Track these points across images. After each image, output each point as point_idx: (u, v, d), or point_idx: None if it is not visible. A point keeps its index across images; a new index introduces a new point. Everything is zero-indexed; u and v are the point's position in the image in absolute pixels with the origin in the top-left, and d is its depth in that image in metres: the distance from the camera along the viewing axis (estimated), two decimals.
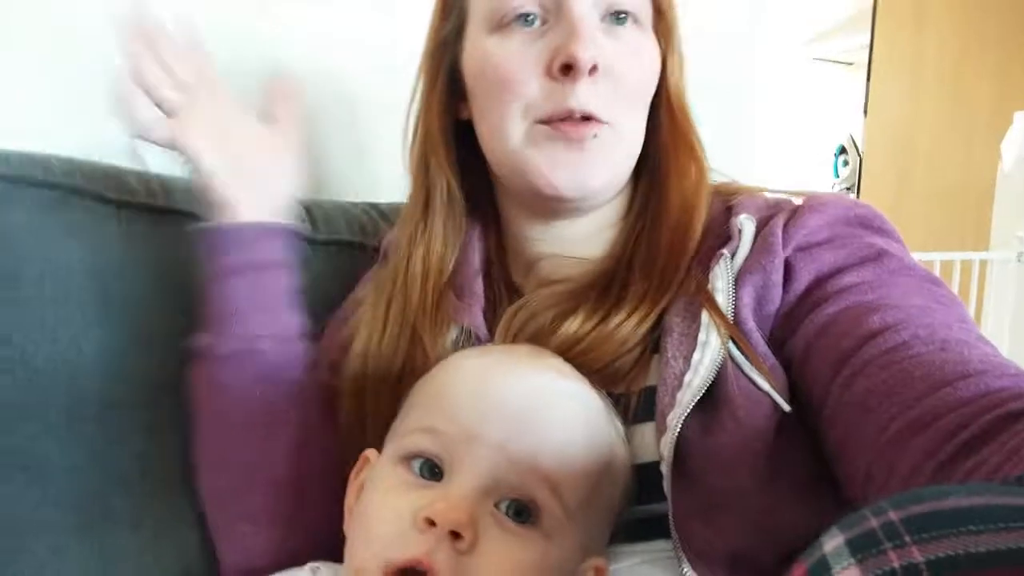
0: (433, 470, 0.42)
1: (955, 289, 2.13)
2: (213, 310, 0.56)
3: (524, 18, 0.51)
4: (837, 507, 0.45)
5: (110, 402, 0.59)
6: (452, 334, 0.54)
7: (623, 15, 0.52)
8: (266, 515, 0.54)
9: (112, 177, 0.62)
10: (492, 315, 0.55)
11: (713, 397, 0.45)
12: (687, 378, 0.45)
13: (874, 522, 0.22)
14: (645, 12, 0.53)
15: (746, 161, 1.20)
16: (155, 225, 0.62)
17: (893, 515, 0.21)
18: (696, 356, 0.45)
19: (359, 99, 0.87)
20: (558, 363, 0.47)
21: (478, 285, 0.56)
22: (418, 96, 0.58)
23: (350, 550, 0.43)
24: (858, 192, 3.21)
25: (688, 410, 0.44)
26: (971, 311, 2.18)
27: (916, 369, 0.38)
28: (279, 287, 0.58)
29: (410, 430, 0.44)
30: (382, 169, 0.86)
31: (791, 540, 0.42)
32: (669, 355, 0.47)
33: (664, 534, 0.45)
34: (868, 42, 3.16)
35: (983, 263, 2.23)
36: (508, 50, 0.51)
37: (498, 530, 0.40)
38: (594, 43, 0.49)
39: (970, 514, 0.20)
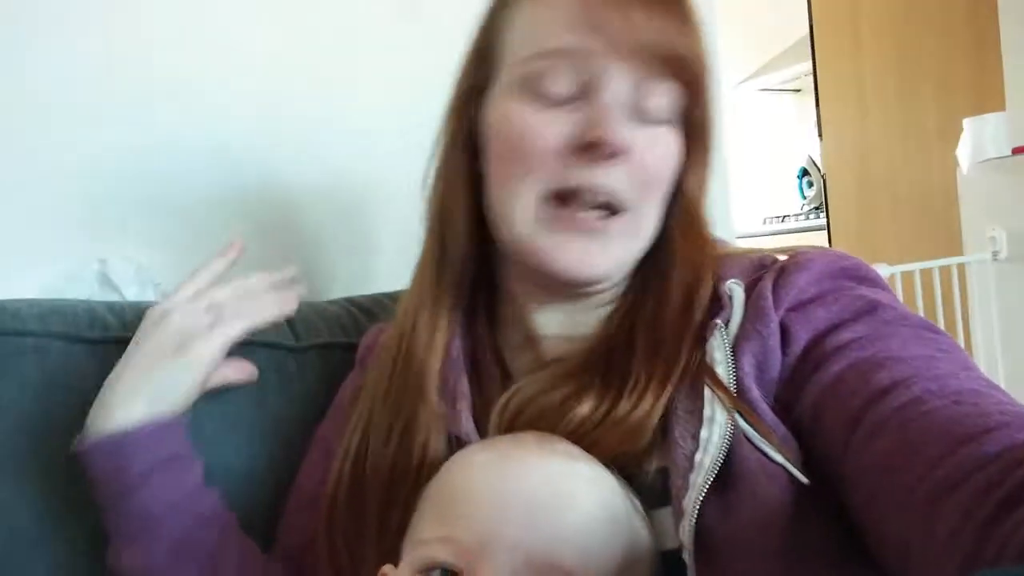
0: None
1: (938, 295, 2.15)
2: (132, 523, 0.53)
3: (555, 86, 0.49)
4: None
5: (97, 554, 0.56)
6: (443, 439, 0.52)
7: (649, 114, 0.50)
8: None
9: (84, 314, 0.61)
10: (483, 407, 0.53)
11: (727, 476, 0.43)
12: (697, 458, 0.43)
13: None
14: (673, 111, 0.51)
15: (721, 198, 1.21)
16: None
17: None
18: (704, 433, 0.44)
19: (354, 189, 0.87)
20: (567, 447, 0.46)
21: (463, 385, 0.54)
22: (442, 144, 0.56)
23: None
24: (826, 210, 3.26)
25: (703, 492, 0.42)
26: (957, 315, 2.19)
27: (934, 426, 0.37)
28: (194, 475, 0.56)
29: (425, 540, 0.42)
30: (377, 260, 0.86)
31: None
32: (676, 435, 0.45)
33: None
34: (810, 69, 3.26)
35: (961, 267, 2.26)
36: (533, 119, 0.49)
37: None
38: (624, 128, 0.48)
39: None
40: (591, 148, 0.48)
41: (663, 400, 0.48)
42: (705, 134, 0.53)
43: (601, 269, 0.50)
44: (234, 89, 0.80)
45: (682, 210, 0.53)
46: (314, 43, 0.86)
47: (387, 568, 0.46)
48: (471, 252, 0.55)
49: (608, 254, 0.50)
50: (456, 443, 0.51)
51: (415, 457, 0.51)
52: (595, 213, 0.49)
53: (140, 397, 0.54)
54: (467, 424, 0.52)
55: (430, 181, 0.57)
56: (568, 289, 0.52)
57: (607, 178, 0.48)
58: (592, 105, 0.49)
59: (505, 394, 0.51)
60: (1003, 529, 0.30)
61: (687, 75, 0.50)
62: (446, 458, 0.48)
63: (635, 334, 0.52)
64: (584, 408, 0.48)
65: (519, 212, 0.50)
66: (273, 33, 0.83)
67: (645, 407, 0.47)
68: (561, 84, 0.49)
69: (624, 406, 0.47)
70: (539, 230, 0.50)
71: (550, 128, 0.49)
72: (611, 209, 0.50)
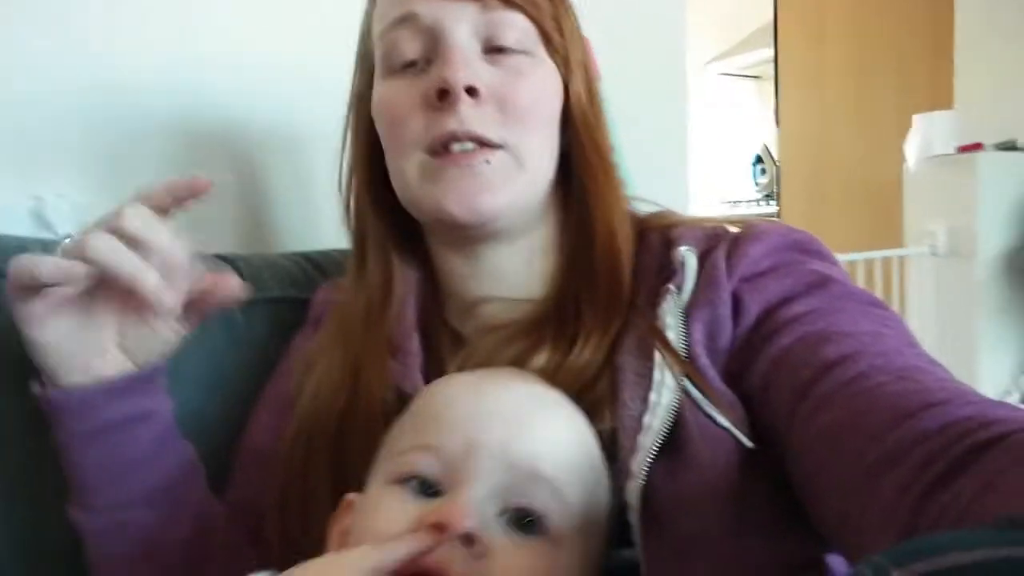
0: (428, 491, 0.40)
1: (879, 286, 2.23)
2: (75, 481, 0.49)
3: (411, 64, 0.52)
4: (808, 546, 0.44)
5: (34, 498, 0.53)
6: (390, 396, 0.51)
7: (503, 49, 0.51)
8: None
9: (12, 249, 0.57)
10: (435, 369, 0.53)
11: (674, 439, 0.44)
12: (646, 420, 0.44)
13: None
14: (530, 42, 0.52)
15: (680, 177, 1.22)
16: None
17: (896, 574, 0.20)
18: (653, 397, 0.45)
19: (301, 140, 0.84)
20: (539, 378, 0.47)
21: (413, 342, 0.54)
22: (347, 147, 0.58)
23: None
24: (778, 199, 3.33)
25: (652, 454, 0.43)
26: (895, 306, 2.28)
27: (878, 400, 0.37)
28: (145, 440, 0.50)
29: (404, 450, 0.41)
30: (326, 215, 0.84)
31: None
32: (625, 396, 0.46)
33: None
34: (772, 56, 3.30)
35: (901, 259, 2.34)
36: (395, 91, 0.52)
37: (508, 540, 0.38)
38: (469, 68, 0.49)
39: (974, 571, 0.19)
40: (443, 96, 0.49)
41: (609, 338, 0.49)
42: (572, 58, 0.54)
43: (487, 205, 0.50)
44: (182, 28, 0.77)
45: (576, 137, 0.54)
46: None
47: (352, 495, 0.45)
48: (389, 243, 0.57)
49: (494, 192, 0.50)
50: (403, 399, 0.51)
51: (361, 412, 0.51)
52: (470, 146, 0.50)
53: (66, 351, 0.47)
54: (416, 378, 0.52)
55: (343, 184, 0.59)
56: (464, 233, 0.52)
57: (469, 120, 0.49)
58: (440, 58, 0.50)
59: (461, 353, 0.52)
60: (938, 502, 0.31)
61: (527, 2, 0.52)
62: (395, 412, 0.48)
63: (575, 286, 0.53)
64: (539, 360, 0.49)
65: (407, 176, 0.52)
66: None
67: (591, 348, 0.49)
68: (409, 50, 0.51)
69: (575, 355, 0.48)
70: (425, 182, 0.51)
71: (409, 93, 0.51)
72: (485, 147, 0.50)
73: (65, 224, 0.72)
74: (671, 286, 0.48)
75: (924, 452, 0.33)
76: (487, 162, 0.50)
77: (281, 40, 0.82)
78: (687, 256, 0.49)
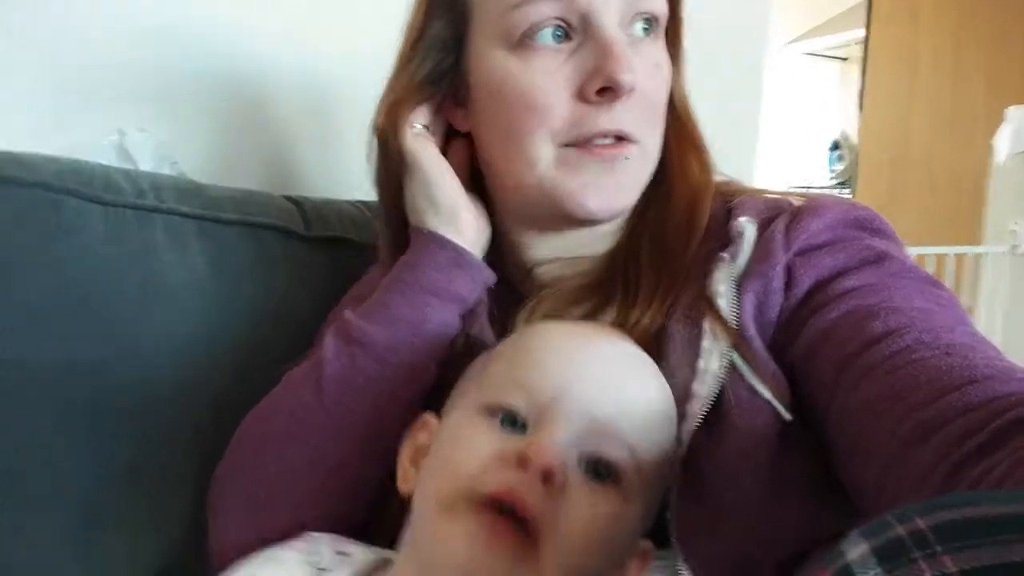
0: (515, 423, 0.41)
1: (950, 282, 2.13)
2: (398, 312, 0.51)
3: (546, 33, 0.48)
4: (841, 516, 0.44)
5: (100, 409, 0.58)
6: (458, 342, 0.53)
7: (648, 23, 0.50)
8: (311, 498, 0.50)
9: (100, 177, 0.61)
10: (498, 321, 0.54)
11: (717, 407, 0.44)
12: (694, 387, 0.44)
13: (901, 529, 0.21)
14: (664, 17, 0.52)
15: (747, 159, 1.19)
16: (142, 225, 0.60)
17: (921, 522, 0.20)
18: (701, 364, 0.45)
19: (342, 94, 0.86)
20: (630, 339, 0.47)
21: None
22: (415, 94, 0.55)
23: (426, 485, 0.42)
24: (853, 187, 3.21)
25: (698, 421, 0.43)
26: (965, 304, 2.18)
27: (922, 374, 0.37)
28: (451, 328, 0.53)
29: (497, 383, 0.43)
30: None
31: (793, 548, 0.42)
32: (673, 362, 0.46)
33: (662, 542, 0.44)
34: (862, 37, 3.16)
35: (977, 256, 2.24)
36: (534, 71, 0.49)
37: (583, 483, 0.39)
38: (631, 64, 0.48)
39: (1002, 522, 0.20)
40: (603, 92, 0.48)
41: (666, 307, 0.49)
42: (681, 38, 0.55)
43: (622, 204, 0.52)
44: None
45: (674, 117, 0.54)
46: None
47: (429, 415, 0.47)
48: None
49: (629, 190, 0.51)
50: (469, 345, 0.52)
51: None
52: (611, 140, 0.50)
53: None
54: (484, 324, 0.53)
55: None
56: (584, 224, 0.53)
57: (621, 119, 0.49)
58: (592, 44, 0.48)
59: (530, 302, 0.53)
60: (975, 471, 0.31)
61: None
62: (464, 355, 0.50)
63: (640, 247, 0.53)
64: (605, 319, 0.50)
65: (537, 159, 0.50)
66: None
67: (650, 314, 0.49)
68: (552, 24, 0.48)
69: (635, 315, 0.49)
70: (559, 170, 0.50)
71: (554, 78, 0.49)
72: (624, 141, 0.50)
73: (147, 160, 0.75)
74: (725, 255, 0.48)
75: (964, 424, 0.33)
76: (626, 158, 0.50)
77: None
78: (746, 227, 0.49)
